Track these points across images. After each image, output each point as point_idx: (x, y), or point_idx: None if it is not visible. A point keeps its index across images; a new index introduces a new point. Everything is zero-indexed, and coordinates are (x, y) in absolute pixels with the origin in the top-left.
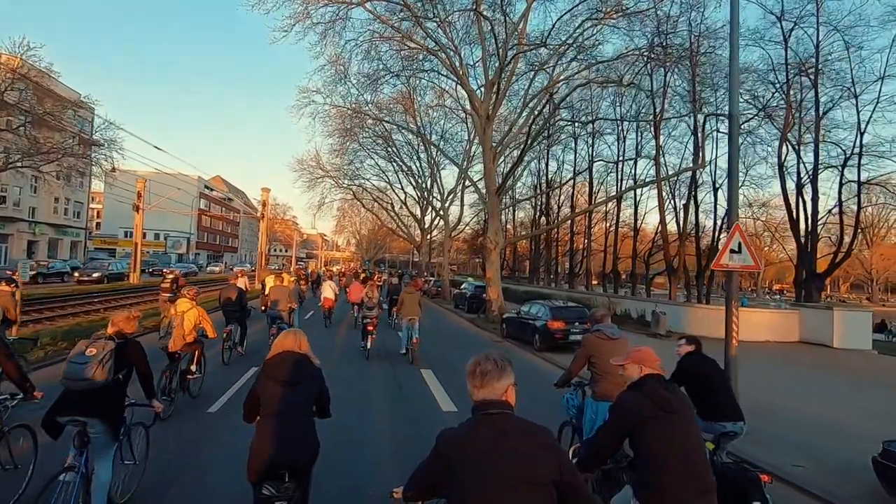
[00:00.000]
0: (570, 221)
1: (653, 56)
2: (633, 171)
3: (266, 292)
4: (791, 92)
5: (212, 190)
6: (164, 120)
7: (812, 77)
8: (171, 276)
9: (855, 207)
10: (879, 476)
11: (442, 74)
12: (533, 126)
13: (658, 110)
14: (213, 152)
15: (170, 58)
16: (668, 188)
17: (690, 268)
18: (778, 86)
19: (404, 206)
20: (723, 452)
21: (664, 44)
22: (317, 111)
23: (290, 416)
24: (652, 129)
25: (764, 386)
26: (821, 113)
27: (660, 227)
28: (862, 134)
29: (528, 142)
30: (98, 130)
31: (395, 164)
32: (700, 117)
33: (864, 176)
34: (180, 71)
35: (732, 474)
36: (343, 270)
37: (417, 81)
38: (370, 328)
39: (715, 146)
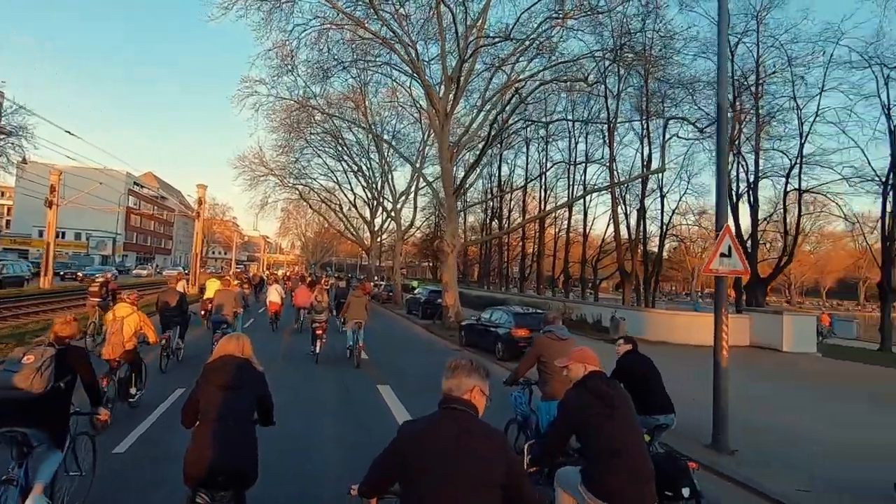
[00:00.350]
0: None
1: (618, 58)
2: (583, 178)
3: (206, 296)
4: (737, 103)
5: (142, 187)
6: (94, 113)
7: (753, 90)
8: (101, 280)
9: (785, 214)
10: None
11: (397, 69)
12: (494, 125)
13: (613, 114)
14: (147, 148)
15: (106, 44)
16: (619, 194)
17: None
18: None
19: (353, 208)
20: (656, 442)
21: (624, 44)
22: (260, 102)
23: (231, 421)
24: (605, 134)
25: (740, 396)
26: (759, 124)
27: (613, 233)
28: (802, 145)
29: (488, 141)
30: (5, 116)
31: (344, 163)
32: (660, 121)
33: (803, 185)
34: (119, 59)
35: (664, 463)
36: (288, 274)
37: (370, 77)
38: (319, 332)
39: (663, 153)
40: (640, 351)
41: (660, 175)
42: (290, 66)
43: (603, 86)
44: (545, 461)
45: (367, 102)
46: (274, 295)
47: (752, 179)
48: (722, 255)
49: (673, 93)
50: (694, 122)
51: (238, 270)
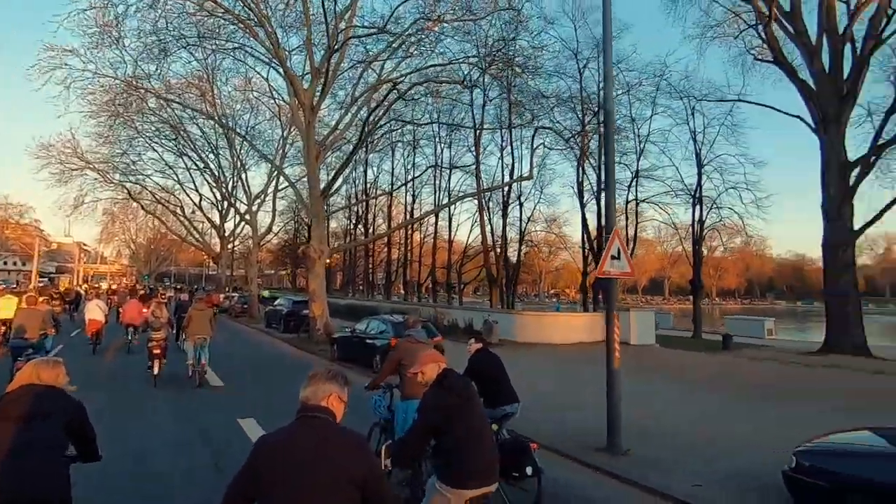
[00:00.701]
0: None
1: (491, 65)
2: (448, 185)
3: None
4: (586, 121)
5: None
6: None
7: (596, 110)
8: None
9: (626, 222)
10: (793, 493)
11: (254, 55)
12: (366, 125)
13: (479, 123)
14: None
15: None
16: (484, 201)
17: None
18: (576, 115)
19: (199, 210)
20: (503, 430)
21: (497, 51)
22: (72, 78)
23: (30, 451)
24: (470, 142)
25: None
26: (603, 142)
27: (479, 238)
28: (639, 160)
29: (359, 142)
30: None
31: (187, 159)
32: (521, 130)
33: (640, 196)
34: None
35: (510, 446)
36: (114, 287)
37: (219, 62)
38: (157, 352)
39: (525, 161)
40: (510, 351)
41: (520, 183)
42: (115, 37)
43: (470, 94)
44: (404, 461)
45: (215, 91)
46: (95, 312)
47: (596, 190)
48: (612, 257)
49: (539, 103)
50: (560, 132)
51: (42, 284)
